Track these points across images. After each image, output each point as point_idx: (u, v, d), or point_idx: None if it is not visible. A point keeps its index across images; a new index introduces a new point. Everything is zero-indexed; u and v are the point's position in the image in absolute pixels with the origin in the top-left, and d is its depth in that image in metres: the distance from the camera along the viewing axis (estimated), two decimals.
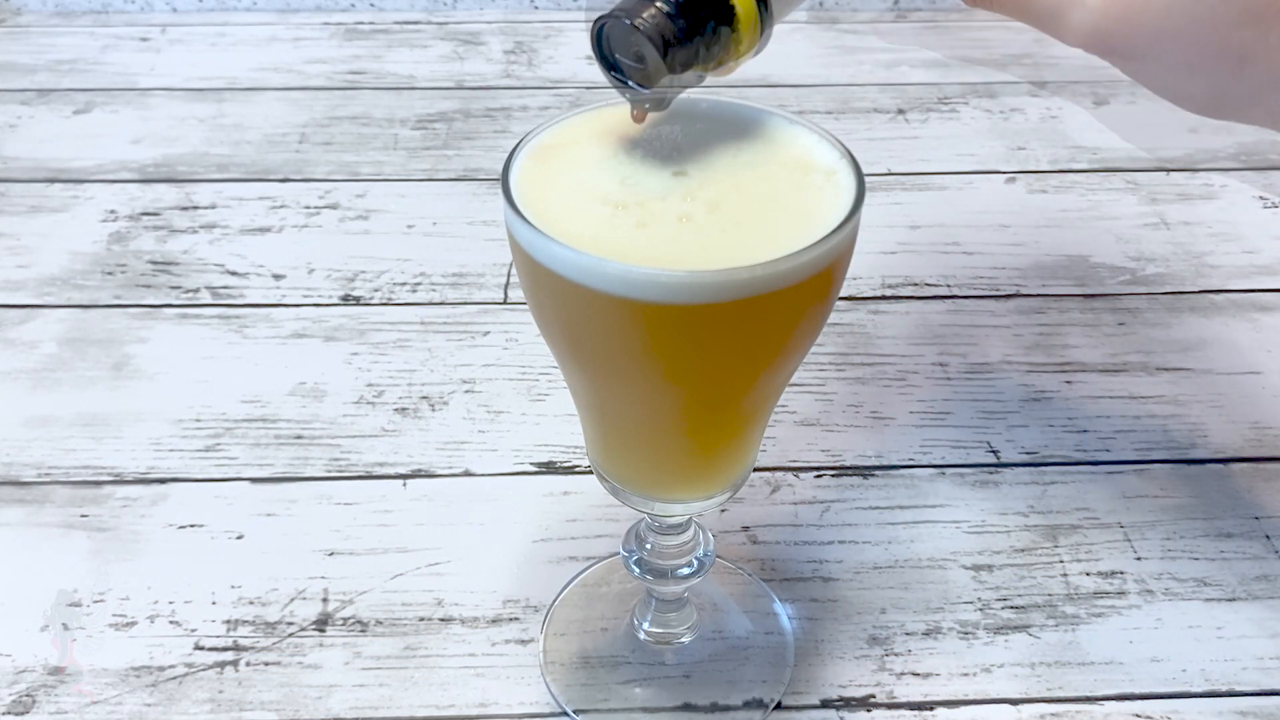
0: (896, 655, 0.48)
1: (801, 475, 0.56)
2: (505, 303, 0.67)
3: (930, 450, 0.57)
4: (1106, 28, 0.37)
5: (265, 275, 0.68)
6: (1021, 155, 0.80)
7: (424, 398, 0.60)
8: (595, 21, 0.35)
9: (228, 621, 0.49)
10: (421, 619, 0.49)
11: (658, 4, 0.33)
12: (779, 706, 0.46)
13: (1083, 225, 0.73)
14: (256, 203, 0.75)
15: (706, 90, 0.39)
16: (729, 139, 0.38)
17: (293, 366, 0.62)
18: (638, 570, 0.45)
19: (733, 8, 0.34)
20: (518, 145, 0.37)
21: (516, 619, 0.49)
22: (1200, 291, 0.68)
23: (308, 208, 0.74)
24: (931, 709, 0.46)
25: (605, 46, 0.35)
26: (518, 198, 0.35)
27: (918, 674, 0.47)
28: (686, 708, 0.46)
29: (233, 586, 0.51)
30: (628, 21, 0.33)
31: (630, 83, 0.36)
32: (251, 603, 0.50)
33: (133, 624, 0.49)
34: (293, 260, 0.70)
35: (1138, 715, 0.46)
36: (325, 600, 0.50)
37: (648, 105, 0.36)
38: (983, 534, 0.53)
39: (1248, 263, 0.70)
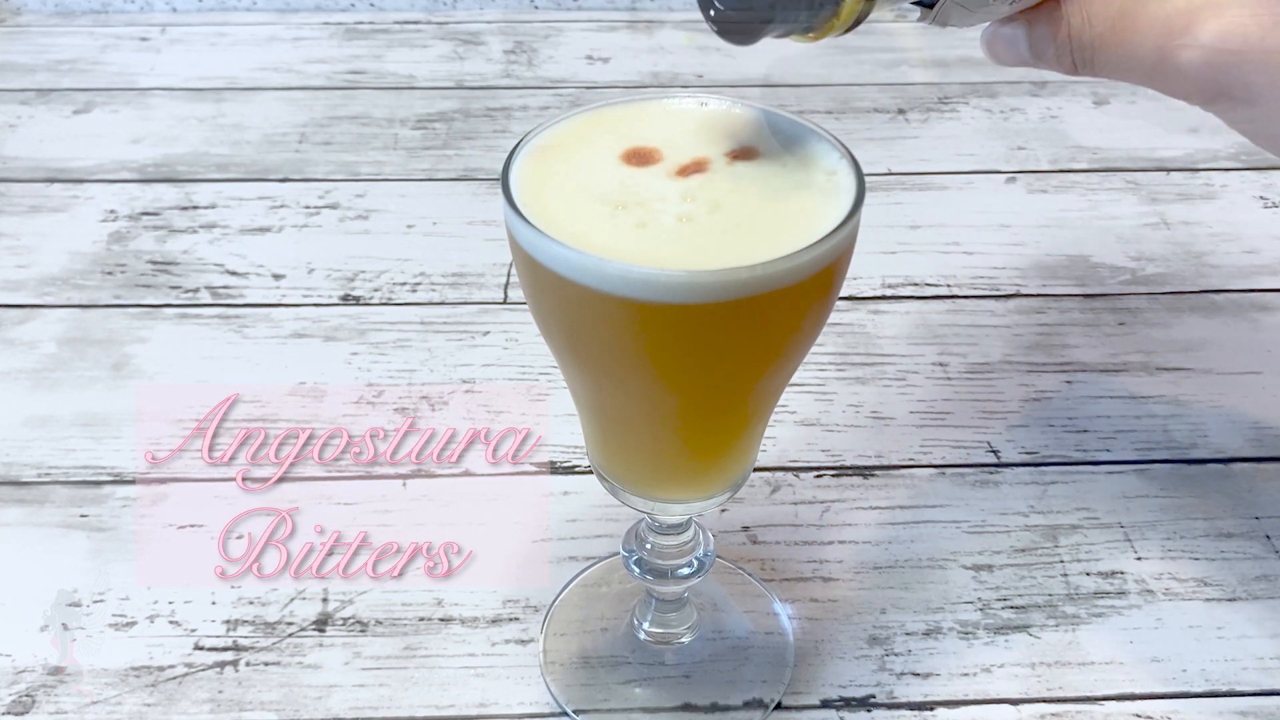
0: (896, 655, 0.48)
1: (801, 475, 0.56)
2: (505, 303, 0.67)
3: (930, 450, 0.57)
4: (1221, 63, 0.35)
5: (265, 275, 0.68)
6: (1021, 155, 0.80)
7: (424, 398, 0.60)
8: None
9: (228, 621, 0.49)
10: (421, 619, 0.49)
11: None
12: (779, 706, 0.46)
13: (1083, 225, 0.73)
14: (256, 203, 0.75)
15: (706, 90, 0.39)
16: (729, 139, 0.38)
17: (293, 366, 0.62)
18: (638, 570, 0.45)
19: None
20: (518, 145, 0.37)
21: (516, 619, 0.49)
22: (1200, 291, 0.68)
23: (308, 208, 0.74)
24: (931, 709, 0.46)
25: None
26: (518, 198, 0.35)
27: (918, 674, 0.47)
28: (686, 708, 0.46)
29: (233, 586, 0.51)
30: None
31: (720, 8, 0.34)
32: (251, 603, 0.50)
33: (133, 624, 0.49)
34: (293, 260, 0.70)
35: (1138, 715, 0.46)
36: (325, 600, 0.50)
37: (733, 36, 0.34)
38: (983, 534, 0.53)
39: (1248, 263, 0.70)
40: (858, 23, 0.34)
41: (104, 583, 0.51)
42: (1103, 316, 0.66)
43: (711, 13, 0.34)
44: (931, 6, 0.36)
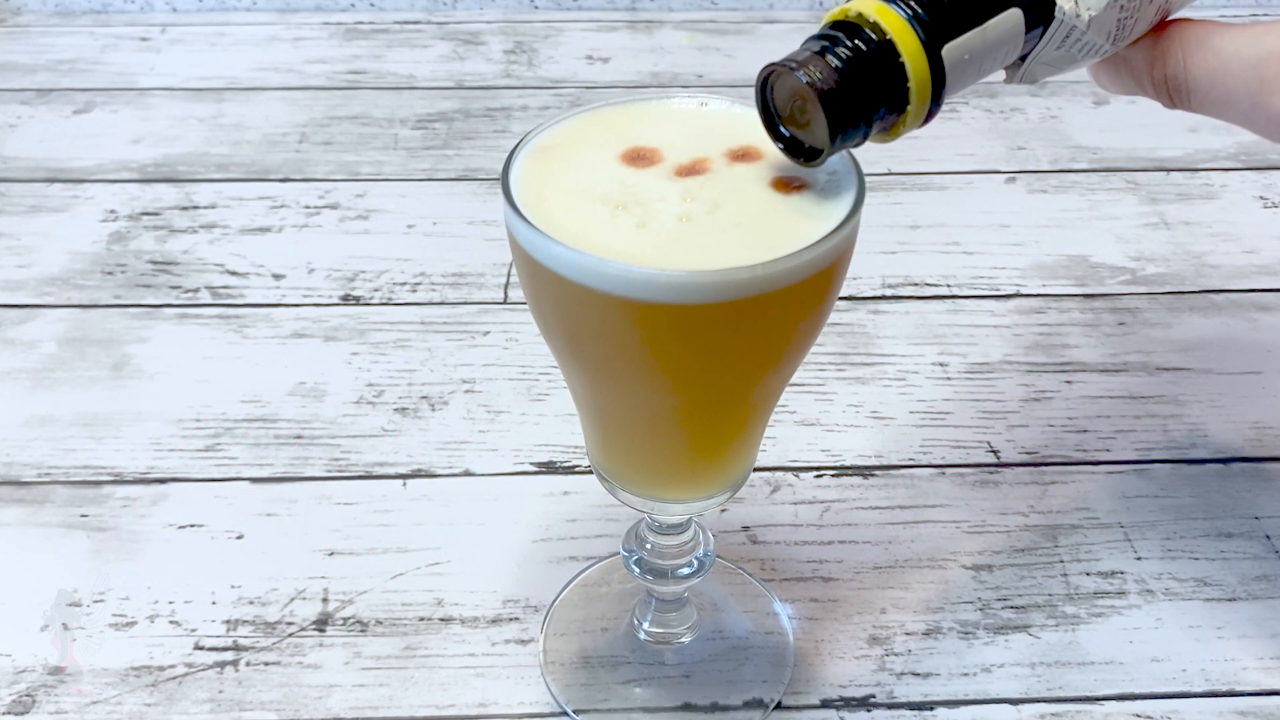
0: (896, 655, 0.48)
1: (801, 475, 0.56)
2: (505, 303, 0.67)
3: (930, 450, 0.57)
4: None
5: (265, 275, 0.68)
6: (1021, 155, 0.80)
7: (424, 398, 0.60)
8: (764, 68, 0.34)
9: (228, 621, 0.49)
10: (421, 619, 0.49)
11: (831, 61, 0.33)
12: (779, 706, 0.46)
13: (1083, 225, 0.73)
14: (256, 203, 0.75)
15: (706, 90, 0.39)
16: (729, 139, 0.38)
17: (293, 366, 0.62)
18: (638, 570, 0.45)
19: (907, 90, 0.33)
20: (518, 145, 0.37)
21: (516, 619, 0.49)
22: (1200, 291, 0.68)
23: (308, 208, 0.74)
24: (931, 709, 0.46)
25: (769, 95, 0.35)
26: (518, 198, 0.35)
27: (918, 674, 0.47)
28: (686, 708, 0.46)
29: (233, 586, 0.51)
30: (804, 80, 0.33)
31: (785, 134, 0.35)
32: (251, 603, 0.50)
33: (133, 624, 0.49)
34: (293, 260, 0.70)
35: (1138, 715, 0.46)
36: (325, 600, 0.50)
37: (800, 160, 0.35)
38: (983, 534, 0.53)
39: (1248, 263, 0.70)
40: (929, 118, 0.34)
41: (104, 583, 0.51)
42: (1103, 316, 0.66)
43: (780, 145, 0.35)
44: (1019, 64, 0.36)
